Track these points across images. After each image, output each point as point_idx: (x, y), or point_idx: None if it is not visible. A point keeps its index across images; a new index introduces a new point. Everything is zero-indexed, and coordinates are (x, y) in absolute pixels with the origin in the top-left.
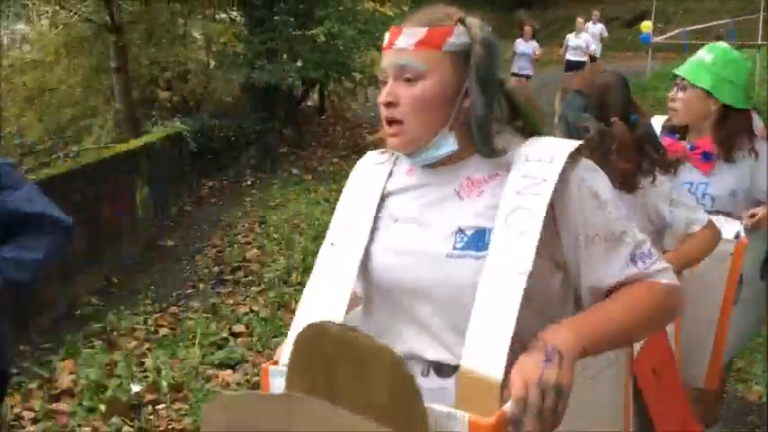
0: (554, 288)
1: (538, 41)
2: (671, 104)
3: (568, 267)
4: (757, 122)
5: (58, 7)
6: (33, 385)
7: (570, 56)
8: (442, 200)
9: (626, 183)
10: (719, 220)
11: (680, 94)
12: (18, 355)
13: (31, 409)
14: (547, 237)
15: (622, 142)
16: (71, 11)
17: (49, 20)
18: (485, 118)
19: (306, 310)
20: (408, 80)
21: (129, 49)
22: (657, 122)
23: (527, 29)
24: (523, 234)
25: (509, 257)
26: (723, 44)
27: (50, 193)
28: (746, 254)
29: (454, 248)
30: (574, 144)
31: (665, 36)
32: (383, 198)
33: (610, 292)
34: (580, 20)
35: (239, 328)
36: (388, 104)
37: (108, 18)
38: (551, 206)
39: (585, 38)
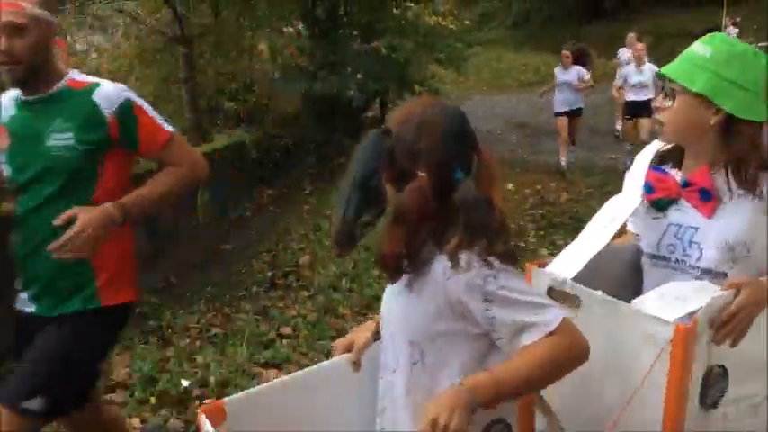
0: None
1: (586, 65)
2: (657, 116)
3: None
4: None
5: (129, 19)
6: None
7: (632, 95)
8: None
9: (389, 268)
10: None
11: (668, 102)
12: None
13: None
14: None
15: (406, 210)
16: (144, 23)
17: (122, 32)
18: None
19: None
20: None
21: (197, 60)
22: (655, 148)
23: (564, 53)
24: None
25: None
26: (728, 34)
27: None
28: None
29: None
30: None
31: None
32: None
33: None
34: (635, 38)
35: (286, 329)
36: None
37: (178, 31)
38: None
39: (650, 69)
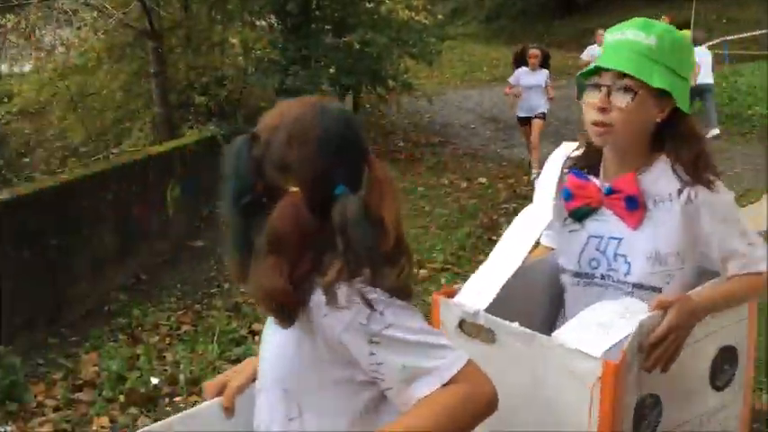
0: None
1: (548, 68)
2: (597, 117)
3: None
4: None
5: (95, 13)
6: (58, 375)
7: None
8: None
9: (280, 310)
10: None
11: (620, 100)
12: (45, 347)
13: (54, 398)
14: None
15: (277, 233)
16: (111, 17)
17: (89, 25)
18: None
19: None
20: None
21: (167, 54)
22: (566, 152)
23: (533, 53)
24: None
25: None
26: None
27: (85, 192)
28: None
29: None
30: None
31: (706, 45)
32: None
33: None
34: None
35: (258, 326)
36: None
37: (148, 24)
38: None
39: None
